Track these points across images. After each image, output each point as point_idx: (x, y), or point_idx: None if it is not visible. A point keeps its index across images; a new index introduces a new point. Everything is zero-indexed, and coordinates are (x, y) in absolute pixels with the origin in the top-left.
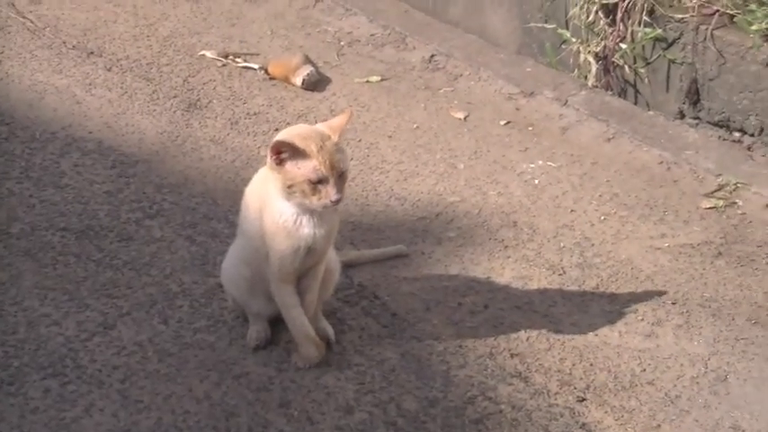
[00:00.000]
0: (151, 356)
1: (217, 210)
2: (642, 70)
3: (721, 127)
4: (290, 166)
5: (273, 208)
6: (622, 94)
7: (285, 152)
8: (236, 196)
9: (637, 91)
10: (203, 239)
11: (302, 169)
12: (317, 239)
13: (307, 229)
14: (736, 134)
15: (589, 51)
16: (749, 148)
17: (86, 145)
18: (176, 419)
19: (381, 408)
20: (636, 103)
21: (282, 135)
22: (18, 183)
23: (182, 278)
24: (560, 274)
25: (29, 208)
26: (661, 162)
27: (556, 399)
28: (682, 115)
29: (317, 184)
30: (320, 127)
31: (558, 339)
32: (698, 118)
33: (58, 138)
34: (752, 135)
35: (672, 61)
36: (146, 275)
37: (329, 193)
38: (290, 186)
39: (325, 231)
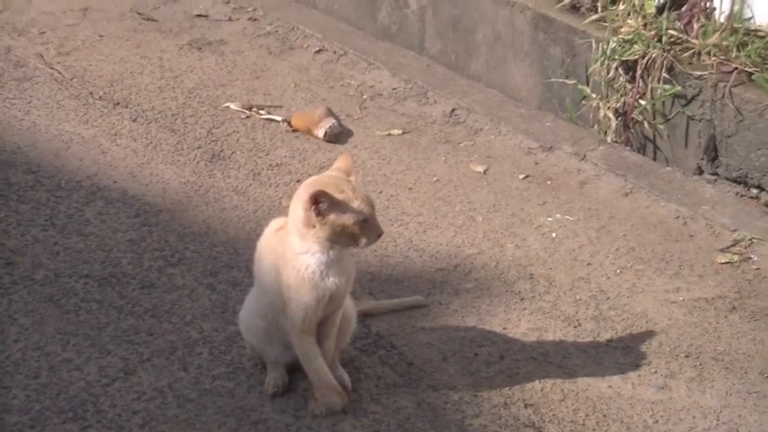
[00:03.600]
0: (170, 402)
1: (238, 259)
2: (661, 126)
3: (739, 183)
4: (333, 216)
5: (298, 262)
6: (641, 149)
7: (323, 202)
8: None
9: (656, 147)
10: (224, 288)
11: (348, 213)
12: (340, 287)
13: (332, 278)
14: (754, 191)
15: (609, 107)
16: (767, 205)
17: (111, 194)
18: None
19: None
20: (655, 159)
21: (309, 188)
22: (43, 230)
23: (202, 325)
24: (576, 326)
25: (53, 255)
26: (677, 217)
27: None
28: (700, 171)
29: (363, 223)
30: (331, 173)
31: (573, 390)
32: (716, 174)
33: (83, 186)
34: None
35: (690, 118)
36: (167, 322)
37: (377, 227)
38: (339, 233)
39: (345, 278)
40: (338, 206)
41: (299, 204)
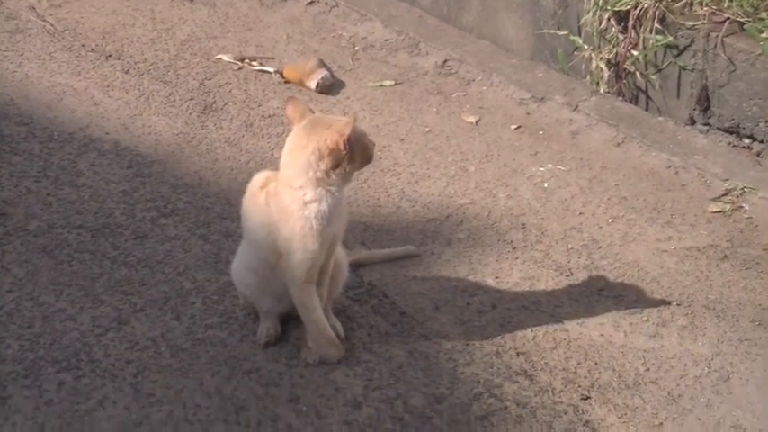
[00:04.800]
0: (164, 351)
1: (230, 210)
2: (653, 77)
3: (731, 133)
4: (359, 146)
5: (307, 211)
6: (634, 100)
7: (351, 139)
8: None
9: (648, 97)
10: (217, 238)
11: (362, 134)
12: (340, 230)
13: (335, 221)
14: (746, 140)
15: (601, 58)
16: (758, 155)
17: (103, 145)
18: (187, 413)
19: (388, 403)
20: (647, 110)
21: (329, 134)
22: (36, 181)
23: (195, 276)
24: (568, 276)
25: (46, 206)
26: (669, 167)
27: (560, 396)
28: (692, 121)
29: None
30: (308, 116)
31: (564, 339)
32: (708, 124)
33: (76, 138)
34: (761, 141)
35: (683, 68)
36: (160, 273)
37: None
38: (362, 159)
39: (343, 222)
40: (358, 133)
41: (313, 155)
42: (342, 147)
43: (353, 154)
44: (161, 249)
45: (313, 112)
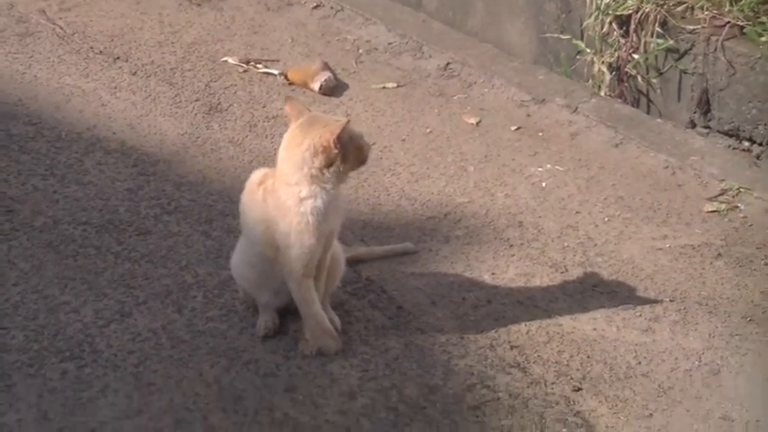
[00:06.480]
0: (164, 343)
1: (233, 207)
2: (654, 80)
3: (731, 136)
4: (352, 145)
5: (302, 207)
6: (635, 103)
7: (344, 138)
8: None
9: (649, 101)
10: (219, 234)
11: (356, 135)
12: (336, 225)
13: (331, 217)
14: (746, 143)
15: (603, 62)
16: (758, 157)
17: (109, 145)
18: (187, 401)
19: (383, 393)
20: (648, 113)
21: (322, 133)
22: (43, 179)
23: (197, 270)
24: (563, 272)
25: (52, 203)
26: (667, 167)
27: (552, 388)
28: (693, 124)
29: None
30: (304, 115)
31: (558, 333)
32: (708, 127)
33: (83, 138)
34: (760, 144)
35: (683, 72)
36: (162, 267)
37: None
38: (356, 159)
39: (340, 217)
40: (351, 134)
41: (308, 151)
42: (333, 146)
43: (347, 153)
44: (164, 245)
45: (311, 112)
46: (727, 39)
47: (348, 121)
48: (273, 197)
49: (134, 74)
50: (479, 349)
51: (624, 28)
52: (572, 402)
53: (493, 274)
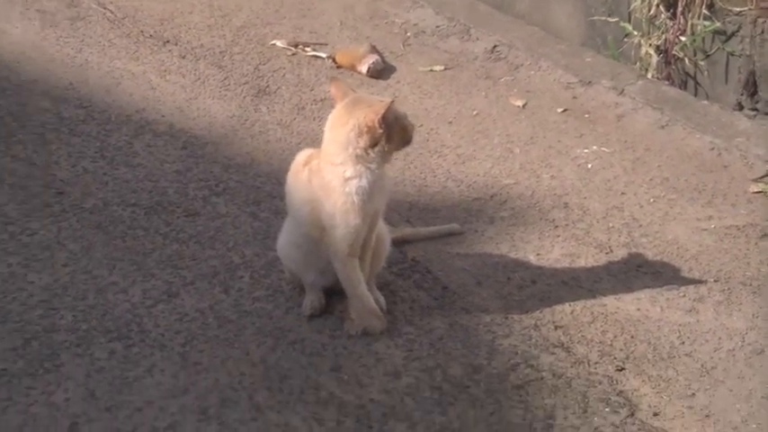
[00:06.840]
0: (211, 323)
1: (280, 189)
2: (702, 63)
3: None
4: (398, 125)
5: (348, 187)
6: (683, 86)
7: (389, 118)
8: None
9: (697, 83)
10: (266, 215)
11: (401, 115)
12: (382, 205)
13: (377, 196)
14: None
15: (650, 44)
16: None
17: (158, 127)
18: (232, 381)
19: (428, 373)
20: (696, 95)
21: (367, 113)
22: (93, 162)
23: (244, 251)
24: (607, 253)
25: (102, 185)
26: (712, 148)
27: (596, 368)
28: (740, 107)
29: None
30: (348, 95)
31: (602, 313)
32: (755, 109)
33: (132, 120)
34: None
35: (731, 54)
36: (210, 248)
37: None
38: (401, 139)
39: (385, 197)
40: (396, 114)
41: (353, 131)
42: (378, 125)
43: (391, 133)
44: (212, 226)
45: (355, 92)
46: None
47: (393, 101)
48: (318, 177)
49: (183, 57)
50: (524, 329)
51: (671, 10)
52: (615, 382)
53: (538, 254)
